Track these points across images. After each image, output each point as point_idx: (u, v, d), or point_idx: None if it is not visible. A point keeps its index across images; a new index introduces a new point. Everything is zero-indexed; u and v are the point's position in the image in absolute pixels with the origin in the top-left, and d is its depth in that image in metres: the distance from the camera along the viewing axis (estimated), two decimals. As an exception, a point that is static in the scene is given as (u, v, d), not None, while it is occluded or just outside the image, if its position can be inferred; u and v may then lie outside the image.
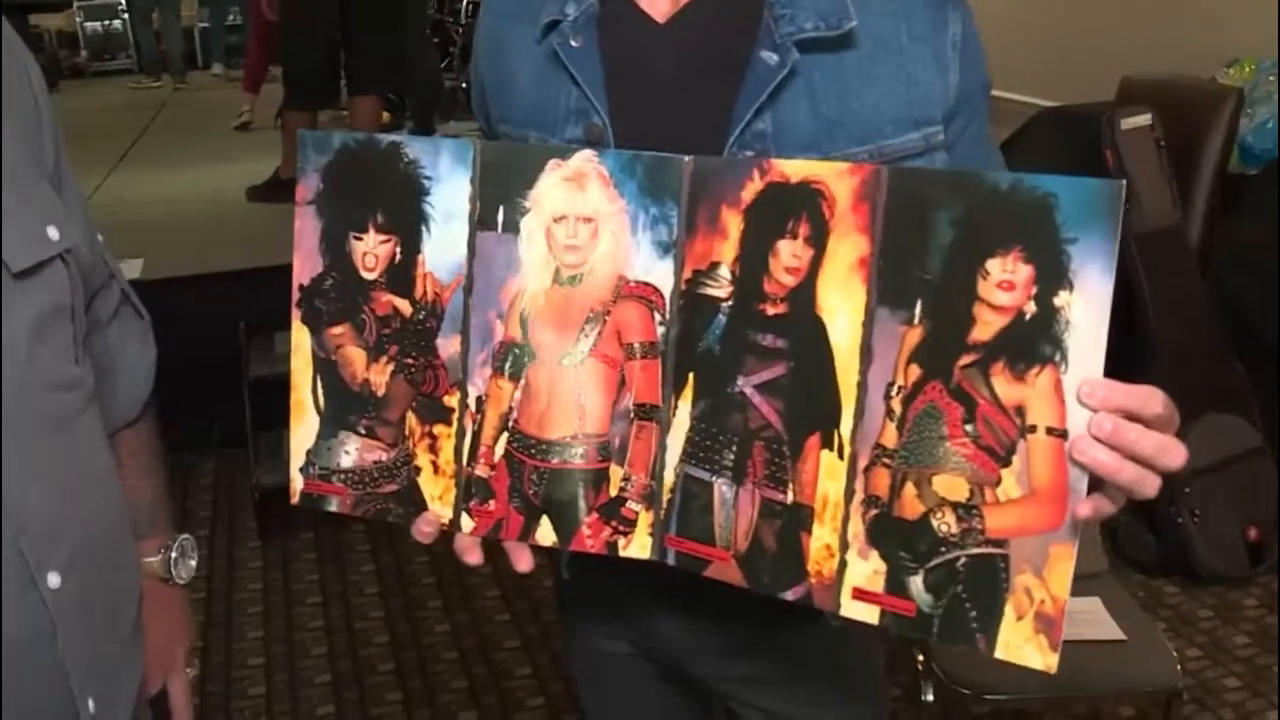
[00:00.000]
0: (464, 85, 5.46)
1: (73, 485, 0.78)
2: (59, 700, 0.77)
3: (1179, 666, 1.65)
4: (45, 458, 0.76)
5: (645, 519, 0.82)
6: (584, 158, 0.79)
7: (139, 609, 0.89)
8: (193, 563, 0.99)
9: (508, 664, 2.36)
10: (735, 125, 0.82)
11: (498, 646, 2.42)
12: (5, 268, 0.72)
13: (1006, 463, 0.67)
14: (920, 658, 1.67)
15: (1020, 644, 0.68)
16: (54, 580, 0.74)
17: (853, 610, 0.73)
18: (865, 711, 1.05)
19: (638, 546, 0.82)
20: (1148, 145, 2.51)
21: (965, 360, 0.68)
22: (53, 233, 0.76)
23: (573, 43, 0.86)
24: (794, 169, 0.74)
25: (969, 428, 0.68)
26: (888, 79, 0.81)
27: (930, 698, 1.65)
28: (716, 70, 0.84)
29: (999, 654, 0.68)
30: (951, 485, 0.69)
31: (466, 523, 0.85)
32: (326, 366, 0.86)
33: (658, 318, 0.80)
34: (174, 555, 0.97)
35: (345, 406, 0.86)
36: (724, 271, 0.77)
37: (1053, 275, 0.64)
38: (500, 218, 0.81)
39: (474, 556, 0.84)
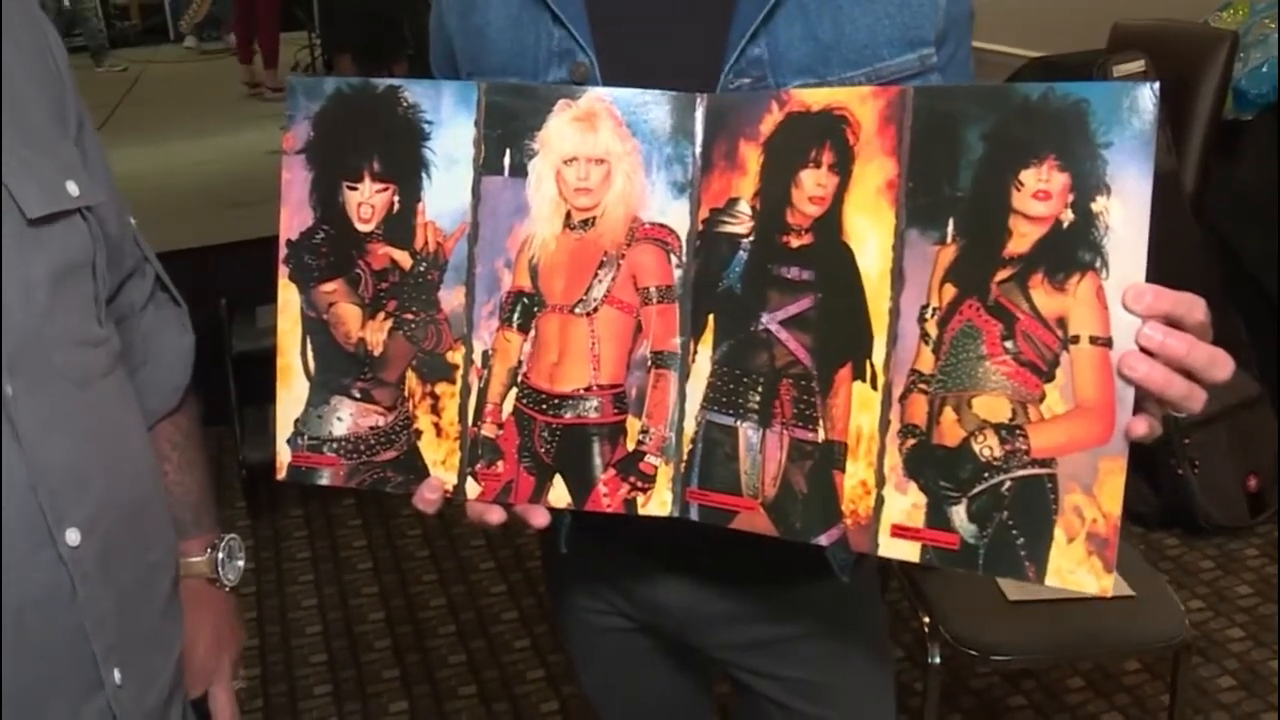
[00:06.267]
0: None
1: (96, 444, 0.80)
2: (81, 665, 0.77)
3: (1188, 621, 1.71)
4: (67, 412, 0.77)
5: (665, 473, 0.83)
6: (594, 97, 0.82)
7: (174, 589, 0.89)
8: (240, 563, 1.00)
9: (506, 636, 2.45)
10: (730, 52, 0.85)
11: (495, 619, 2.51)
12: (21, 213, 0.75)
13: (1050, 377, 0.70)
14: (926, 620, 1.71)
15: (1072, 568, 0.70)
16: (73, 537, 0.76)
17: (892, 549, 0.76)
18: (871, 672, 1.07)
19: (657, 503, 0.83)
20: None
21: (1002, 275, 0.71)
22: (72, 188, 0.80)
23: None
24: (814, 97, 0.78)
25: (1009, 344, 0.71)
26: (881, 0, 0.86)
27: (937, 660, 1.69)
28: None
29: (1050, 581, 0.71)
30: (993, 406, 0.72)
31: (472, 488, 0.85)
32: (317, 327, 0.86)
33: (674, 260, 0.82)
34: (221, 555, 0.98)
35: (338, 369, 0.86)
36: (743, 207, 0.80)
37: (1089, 181, 0.68)
38: (507, 161, 0.83)
39: (496, 515, 0.84)
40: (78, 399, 0.79)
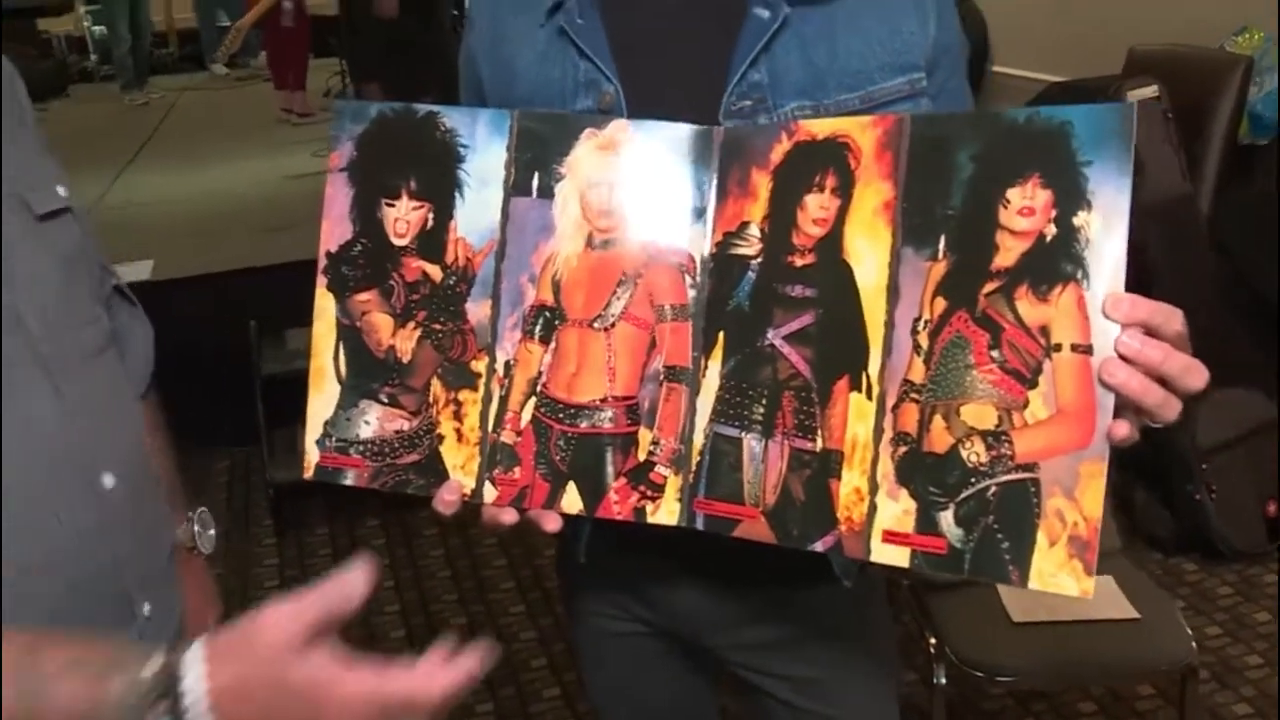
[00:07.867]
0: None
1: (114, 404, 0.91)
2: (116, 597, 0.87)
3: (1194, 644, 1.71)
4: (86, 382, 0.87)
5: (674, 483, 0.88)
6: (618, 127, 0.89)
7: (173, 543, 0.99)
8: (212, 533, 1.08)
9: (523, 655, 2.50)
10: (732, 77, 0.93)
11: (514, 638, 2.57)
12: (31, 211, 0.86)
13: (1033, 384, 0.75)
14: (933, 641, 1.72)
15: (1054, 571, 0.73)
16: (108, 480, 0.86)
17: (883, 554, 0.79)
18: (879, 672, 1.11)
19: (665, 512, 0.88)
20: (1155, 117, 2.62)
21: (989, 287, 0.76)
22: (61, 190, 0.91)
23: (579, 20, 0.96)
24: (820, 127, 0.84)
25: (995, 353, 0.76)
26: (873, 28, 0.94)
27: (943, 680, 1.70)
28: (713, 28, 0.95)
29: (1033, 585, 0.74)
30: (979, 413, 0.76)
31: (489, 492, 0.90)
32: (350, 334, 0.93)
33: (689, 281, 0.88)
34: (196, 527, 1.06)
35: (368, 374, 0.92)
36: (753, 230, 0.86)
37: (1071, 197, 0.73)
38: (535, 183, 0.90)
39: (509, 517, 0.89)
40: (92, 370, 0.90)
